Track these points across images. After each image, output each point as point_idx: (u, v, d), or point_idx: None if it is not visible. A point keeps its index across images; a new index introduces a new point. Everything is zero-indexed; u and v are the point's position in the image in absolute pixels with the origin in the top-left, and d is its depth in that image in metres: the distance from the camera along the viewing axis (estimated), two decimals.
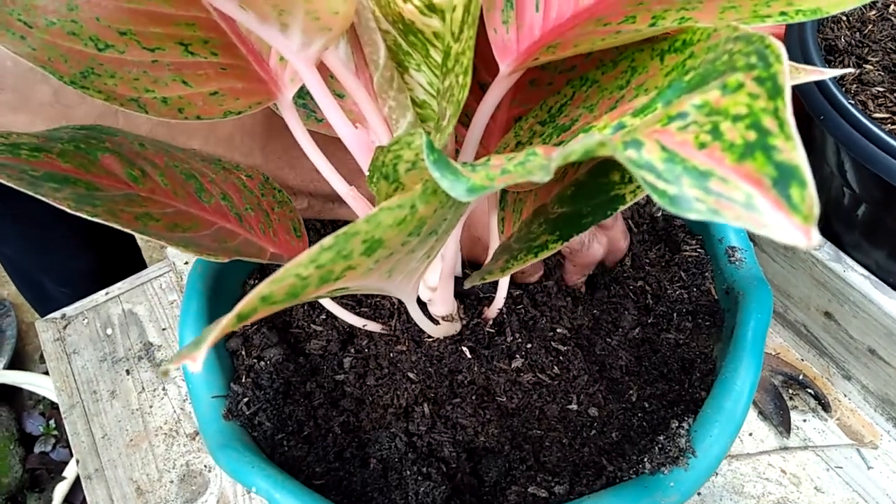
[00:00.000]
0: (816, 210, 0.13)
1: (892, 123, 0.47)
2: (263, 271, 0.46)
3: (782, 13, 0.22)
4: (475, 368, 0.39)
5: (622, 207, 0.26)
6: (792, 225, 0.13)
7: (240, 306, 0.17)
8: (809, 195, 0.13)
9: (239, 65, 0.31)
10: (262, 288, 0.17)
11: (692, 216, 0.14)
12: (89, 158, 0.28)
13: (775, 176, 0.14)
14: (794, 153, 0.14)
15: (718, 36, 0.20)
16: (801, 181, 0.14)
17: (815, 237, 0.13)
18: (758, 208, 0.14)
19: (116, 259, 0.85)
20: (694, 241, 0.46)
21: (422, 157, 0.20)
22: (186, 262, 0.66)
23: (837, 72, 0.19)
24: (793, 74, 0.22)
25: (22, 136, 0.27)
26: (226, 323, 0.17)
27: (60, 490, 1.10)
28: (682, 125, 0.16)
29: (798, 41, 0.51)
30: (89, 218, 0.25)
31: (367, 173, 0.26)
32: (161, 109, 0.30)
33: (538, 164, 0.16)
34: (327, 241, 0.17)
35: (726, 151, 0.15)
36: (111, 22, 0.29)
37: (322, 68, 0.29)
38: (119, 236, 0.86)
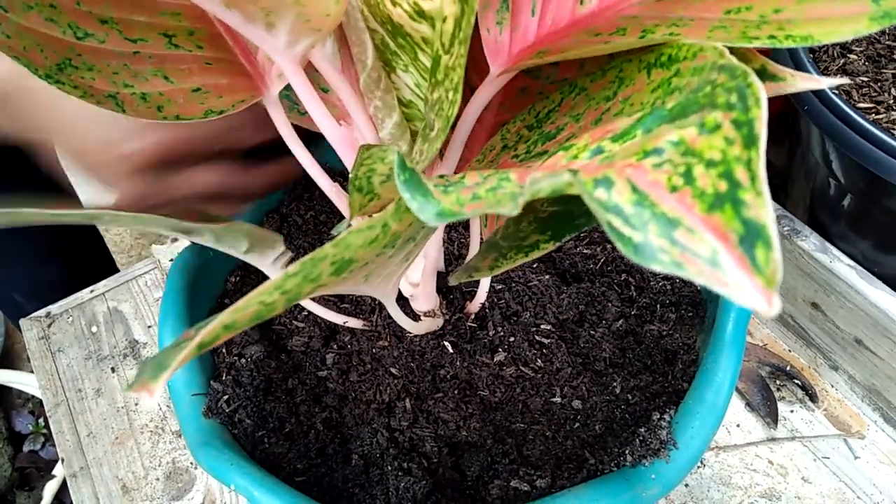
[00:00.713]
0: (779, 275, 0.13)
1: (877, 113, 0.47)
2: (246, 267, 0.46)
3: (771, 37, 0.21)
4: (457, 363, 0.39)
5: None
6: (754, 287, 0.13)
7: (202, 335, 0.16)
8: (774, 259, 0.13)
9: (225, 58, 0.31)
10: (225, 317, 0.16)
11: (655, 268, 0.14)
12: None
13: (742, 233, 0.14)
14: (763, 210, 0.14)
15: (705, 58, 0.19)
16: (767, 242, 0.13)
17: (776, 304, 0.13)
18: (721, 265, 0.13)
19: (86, 267, 0.82)
20: None
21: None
22: (171, 260, 0.65)
23: (834, 81, 0.19)
24: (787, 82, 0.22)
25: None
26: (187, 353, 0.16)
27: (50, 488, 1.10)
28: (658, 162, 0.16)
29: None
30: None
31: (350, 166, 0.26)
32: (139, 107, 0.29)
33: (509, 192, 0.16)
34: (293, 268, 0.17)
35: (697, 199, 0.14)
36: (92, 7, 0.27)
37: (309, 63, 0.29)
38: (87, 244, 0.85)
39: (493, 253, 0.32)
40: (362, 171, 0.21)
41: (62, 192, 0.65)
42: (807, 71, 0.47)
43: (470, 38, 0.21)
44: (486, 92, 0.28)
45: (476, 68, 0.32)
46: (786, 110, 0.57)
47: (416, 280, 0.35)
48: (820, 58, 0.52)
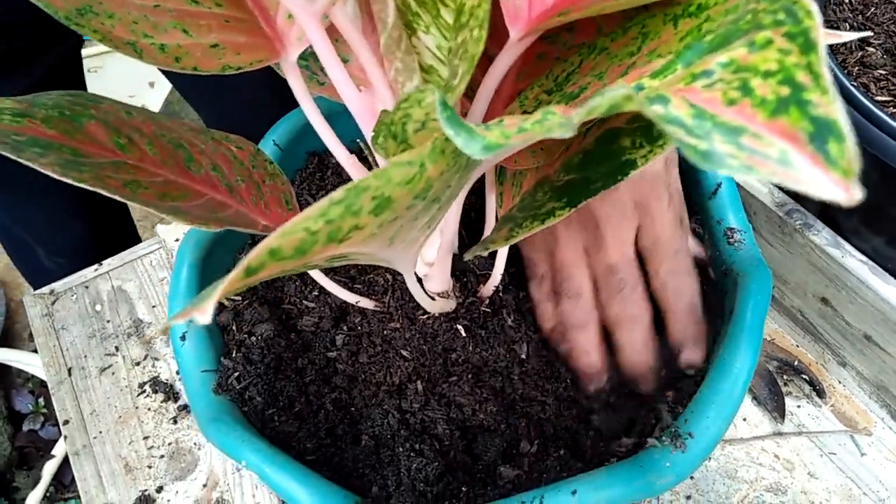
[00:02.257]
0: (857, 165, 0.13)
1: (895, 107, 0.47)
2: (255, 244, 0.45)
3: None
4: (470, 347, 0.39)
5: (633, 172, 0.25)
6: (830, 181, 0.13)
7: (248, 259, 0.16)
8: (849, 149, 0.13)
9: (244, 18, 0.30)
10: (272, 240, 0.16)
11: (725, 172, 0.14)
12: (74, 125, 0.27)
13: (812, 131, 0.13)
14: (831, 107, 0.14)
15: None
16: (839, 135, 0.13)
17: (856, 192, 0.13)
18: (794, 164, 0.13)
19: (110, 230, 0.83)
20: (693, 222, 0.46)
21: (433, 117, 0.19)
22: (177, 240, 0.65)
23: (854, 35, 0.19)
24: None
25: (5, 101, 0.27)
26: (234, 276, 0.16)
27: (49, 468, 1.10)
28: (708, 83, 0.15)
29: None
30: (76, 183, 0.24)
31: (370, 136, 0.26)
32: (157, 56, 0.29)
33: (556, 121, 0.15)
34: (337, 194, 0.16)
35: (758, 108, 0.14)
36: None
37: (329, 32, 0.28)
38: (112, 207, 0.85)
39: (509, 224, 0.31)
40: (398, 117, 0.21)
41: None
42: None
43: None
44: (505, 59, 0.28)
45: (495, 38, 0.32)
46: None
47: (431, 259, 0.35)
48: (838, 50, 0.52)
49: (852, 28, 0.51)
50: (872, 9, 0.52)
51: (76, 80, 0.73)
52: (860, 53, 0.50)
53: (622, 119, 0.29)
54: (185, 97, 0.82)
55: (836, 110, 0.13)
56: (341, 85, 0.29)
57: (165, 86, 1.85)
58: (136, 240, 0.68)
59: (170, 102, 1.82)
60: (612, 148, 0.27)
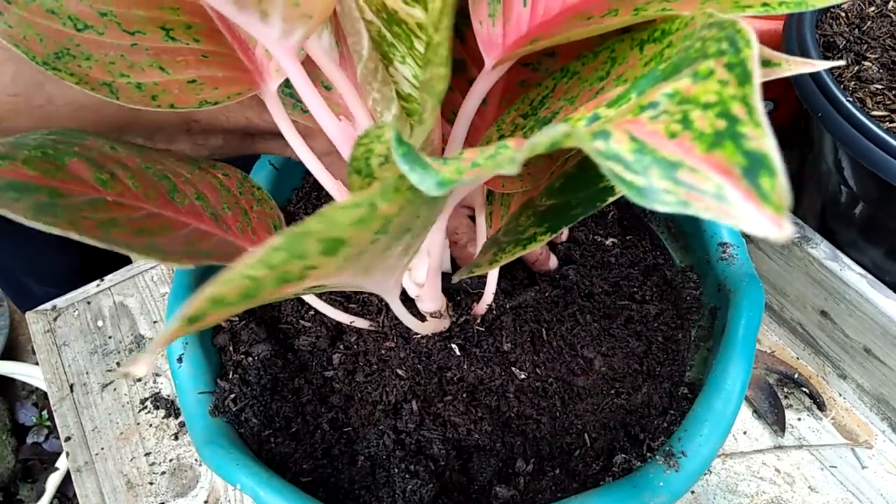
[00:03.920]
0: (787, 199, 0.13)
1: (891, 121, 0.47)
2: None
3: (764, 4, 0.22)
4: (464, 366, 0.39)
5: (611, 199, 0.26)
6: (763, 216, 0.13)
7: (187, 309, 0.16)
8: (780, 184, 0.13)
9: (222, 52, 0.31)
10: (213, 289, 0.16)
11: (661, 209, 0.14)
12: (56, 164, 0.27)
13: (745, 165, 0.14)
14: (763, 140, 0.14)
15: (695, 24, 0.19)
16: (771, 170, 0.13)
17: (787, 228, 0.13)
18: (728, 199, 0.13)
19: (101, 257, 0.83)
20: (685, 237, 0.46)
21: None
22: None
23: (827, 64, 0.19)
24: (783, 67, 0.22)
25: None
26: (173, 328, 0.16)
27: (53, 481, 1.10)
28: (654, 115, 0.16)
29: (796, 37, 0.51)
30: (45, 229, 0.24)
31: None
32: (133, 95, 0.29)
33: (507, 156, 0.15)
34: (277, 240, 0.16)
35: (696, 141, 0.14)
36: (93, 1, 0.28)
37: (311, 60, 0.29)
38: None
39: (494, 248, 0.31)
40: (360, 152, 0.21)
41: None
42: (822, 79, 0.47)
43: (455, 6, 0.21)
44: (482, 84, 0.28)
45: (475, 63, 0.32)
46: (798, 118, 0.57)
47: (421, 280, 0.35)
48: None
49: (847, 41, 0.51)
50: (868, 23, 0.52)
51: None
52: (856, 68, 0.50)
53: None
54: None
55: (769, 144, 0.14)
56: (320, 115, 0.30)
57: None
58: (127, 263, 0.68)
59: None
60: (591, 173, 0.27)
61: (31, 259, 0.79)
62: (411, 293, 0.36)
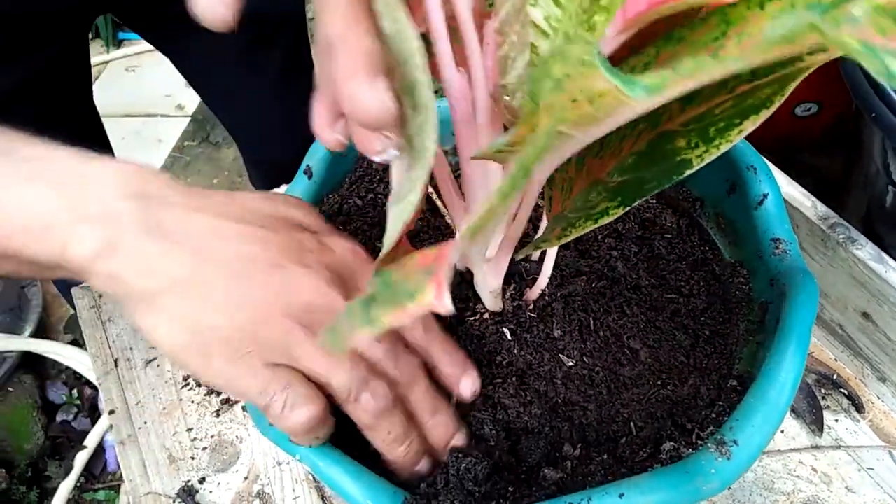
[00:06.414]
0: None
1: None
2: None
3: None
4: (514, 350, 0.39)
5: (688, 171, 0.26)
6: None
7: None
8: None
9: None
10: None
11: None
12: None
13: None
14: None
15: None
16: None
17: None
18: None
19: None
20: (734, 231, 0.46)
21: (568, 74, 0.19)
22: None
23: None
24: None
25: None
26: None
27: (81, 459, 1.12)
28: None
29: None
30: None
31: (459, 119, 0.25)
32: None
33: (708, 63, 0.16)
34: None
35: None
36: None
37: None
38: None
39: (562, 223, 0.32)
40: (539, 73, 0.20)
41: None
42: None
43: None
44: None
45: None
46: (847, 120, 0.57)
47: (491, 255, 0.35)
48: None
49: None
50: None
51: (80, 73, 0.72)
52: None
53: (676, 122, 0.29)
54: (208, 106, 0.86)
55: None
56: (445, 59, 0.28)
57: None
58: None
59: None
60: (666, 148, 0.28)
61: None
62: (476, 268, 0.36)
